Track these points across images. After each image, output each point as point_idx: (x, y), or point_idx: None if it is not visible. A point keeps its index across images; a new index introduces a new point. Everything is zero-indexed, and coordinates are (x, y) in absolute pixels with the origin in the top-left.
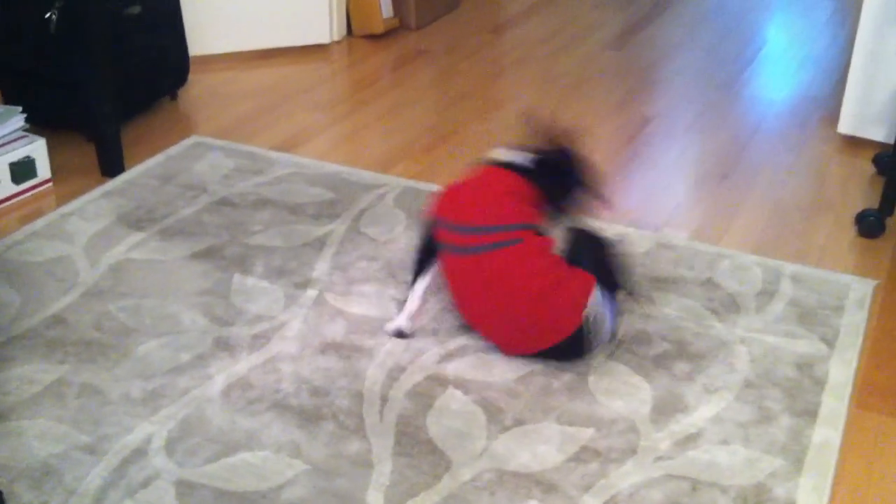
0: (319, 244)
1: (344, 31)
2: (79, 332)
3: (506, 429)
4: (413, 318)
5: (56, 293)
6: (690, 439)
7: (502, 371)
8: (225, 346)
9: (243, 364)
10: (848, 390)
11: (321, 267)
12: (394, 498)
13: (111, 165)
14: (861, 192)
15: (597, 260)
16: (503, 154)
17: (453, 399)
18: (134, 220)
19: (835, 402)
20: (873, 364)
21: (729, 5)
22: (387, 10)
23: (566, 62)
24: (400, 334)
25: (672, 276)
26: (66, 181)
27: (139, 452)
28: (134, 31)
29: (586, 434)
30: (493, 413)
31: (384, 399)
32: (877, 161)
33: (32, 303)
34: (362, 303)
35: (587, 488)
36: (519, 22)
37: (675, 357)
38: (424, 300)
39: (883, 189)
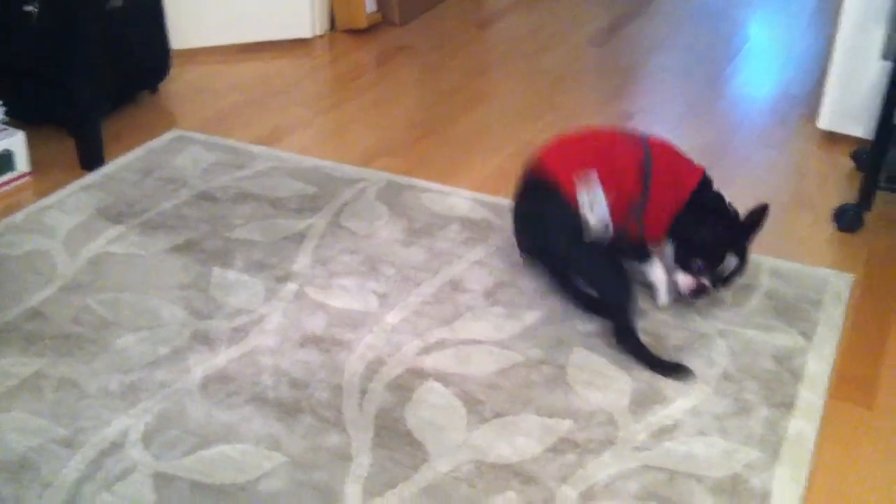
0: (300, 238)
1: (327, 26)
2: (57, 326)
3: (485, 421)
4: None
5: (34, 286)
6: (668, 431)
7: (482, 364)
8: (204, 339)
9: (222, 357)
10: (825, 382)
11: (302, 261)
12: (372, 490)
13: (91, 159)
14: (840, 187)
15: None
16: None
17: (433, 392)
18: (114, 214)
19: (811, 395)
20: (850, 357)
21: (712, 3)
22: (370, 4)
23: (550, 58)
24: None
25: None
26: (46, 174)
27: (116, 445)
28: (116, 25)
29: (565, 426)
30: (472, 405)
31: (363, 392)
32: (855, 156)
33: (10, 296)
34: (343, 296)
35: (565, 479)
36: (503, 17)
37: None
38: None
39: (861, 184)
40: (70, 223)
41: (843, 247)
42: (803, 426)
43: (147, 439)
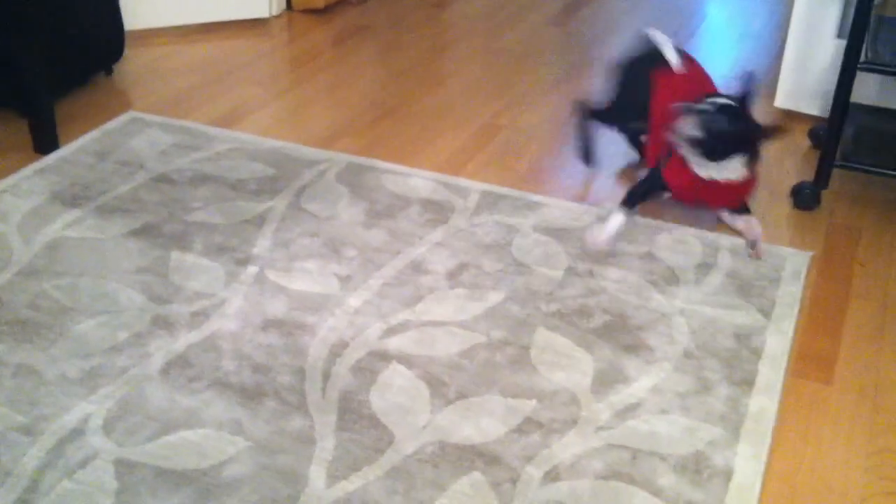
0: (260, 220)
1: (283, 5)
2: (13, 312)
3: (449, 402)
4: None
5: None
6: (630, 410)
7: (446, 345)
8: (164, 324)
9: (182, 342)
10: (784, 359)
11: (262, 243)
12: (337, 473)
13: (45, 142)
14: (797, 165)
15: None
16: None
17: (396, 374)
18: (69, 198)
19: (771, 372)
20: (809, 334)
21: None
22: None
23: (509, 38)
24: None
25: (613, 250)
26: None
27: (77, 432)
28: (66, 4)
29: (529, 406)
30: (436, 387)
31: (326, 375)
32: (812, 135)
33: None
34: (304, 279)
35: (529, 459)
36: None
37: (616, 329)
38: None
39: (818, 162)
40: (25, 207)
41: (801, 225)
42: (764, 403)
43: (108, 426)
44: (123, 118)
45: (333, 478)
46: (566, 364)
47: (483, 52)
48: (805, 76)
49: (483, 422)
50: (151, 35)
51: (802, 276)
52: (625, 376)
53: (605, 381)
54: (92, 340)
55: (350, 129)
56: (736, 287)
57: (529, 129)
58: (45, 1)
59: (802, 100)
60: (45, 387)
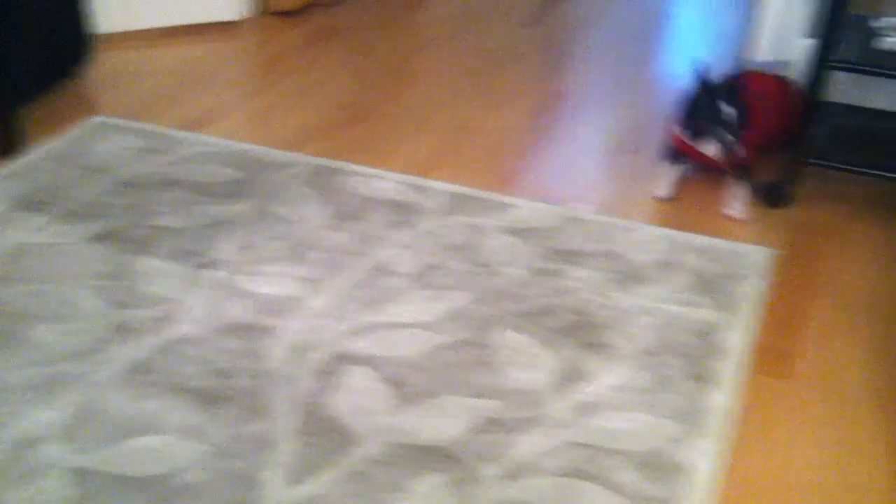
0: (227, 224)
1: (254, 8)
2: None
3: (411, 403)
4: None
5: None
6: (592, 407)
7: (408, 346)
8: (126, 329)
9: (144, 347)
10: (745, 356)
11: (227, 248)
12: (295, 476)
13: (9, 147)
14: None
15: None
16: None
17: (358, 376)
18: (34, 203)
19: (731, 368)
20: (769, 330)
21: None
22: None
23: (481, 39)
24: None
25: (579, 250)
26: None
27: (36, 439)
28: (33, 8)
29: (490, 405)
30: (398, 388)
31: (289, 378)
32: None
33: None
34: (269, 282)
35: (491, 459)
36: None
37: (579, 328)
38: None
39: (790, 160)
40: None
41: (765, 223)
42: (724, 399)
43: (68, 432)
44: (90, 123)
45: (292, 481)
46: (530, 363)
47: (455, 54)
48: None
49: (445, 422)
50: (120, 39)
51: (765, 272)
52: (587, 374)
53: (568, 379)
54: (53, 347)
55: (320, 132)
56: (699, 285)
57: (499, 130)
58: (6, 5)
59: None
60: (5, 393)
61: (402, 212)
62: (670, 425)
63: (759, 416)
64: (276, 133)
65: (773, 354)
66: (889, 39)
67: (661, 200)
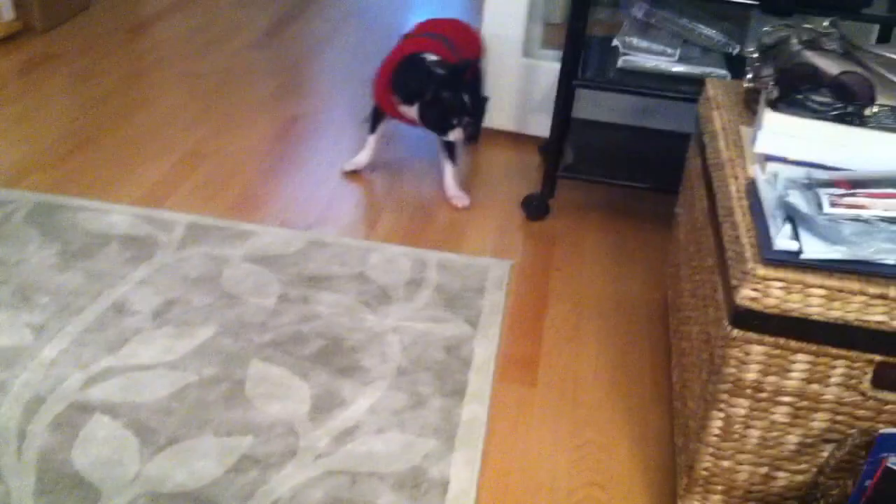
0: None
1: None
2: None
3: (160, 449)
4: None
5: None
6: (348, 433)
7: (153, 389)
8: None
9: None
10: (491, 366)
11: None
12: None
13: None
14: (529, 179)
15: None
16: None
17: (100, 426)
18: None
19: (480, 379)
20: (512, 339)
21: (371, 3)
22: (7, 12)
23: (210, 62)
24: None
25: (325, 274)
26: None
27: None
28: None
29: (244, 443)
30: (145, 435)
31: (22, 435)
32: (541, 150)
33: None
34: None
35: (247, 498)
36: (158, 21)
37: (331, 353)
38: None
39: (543, 173)
40: None
41: (502, 236)
42: (475, 410)
43: None
44: None
45: None
46: (282, 394)
47: (184, 77)
48: (529, 102)
49: (197, 465)
50: None
51: (504, 284)
52: (342, 400)
53: (323, 407)
54: None
55: (39, 165)
56: (444, 300)
57: (236, 155)
58: None
59: (529, 124)
60: None
61: (137, 246)
62: (425, 442)
63: (507, 423)
64: None
65: (516, 362)
66: (625, 58)
67: (347, 174)
